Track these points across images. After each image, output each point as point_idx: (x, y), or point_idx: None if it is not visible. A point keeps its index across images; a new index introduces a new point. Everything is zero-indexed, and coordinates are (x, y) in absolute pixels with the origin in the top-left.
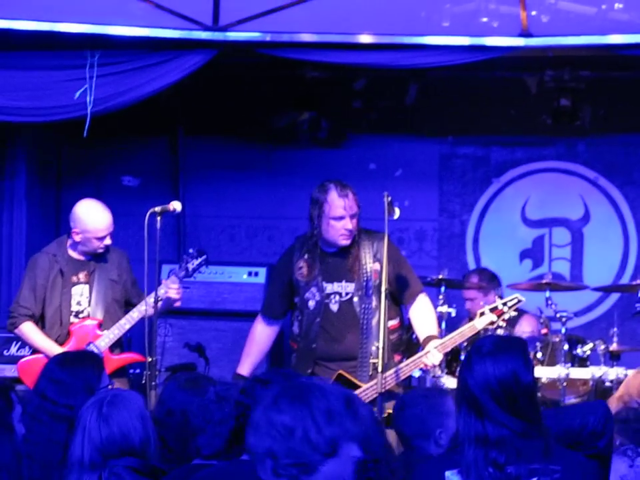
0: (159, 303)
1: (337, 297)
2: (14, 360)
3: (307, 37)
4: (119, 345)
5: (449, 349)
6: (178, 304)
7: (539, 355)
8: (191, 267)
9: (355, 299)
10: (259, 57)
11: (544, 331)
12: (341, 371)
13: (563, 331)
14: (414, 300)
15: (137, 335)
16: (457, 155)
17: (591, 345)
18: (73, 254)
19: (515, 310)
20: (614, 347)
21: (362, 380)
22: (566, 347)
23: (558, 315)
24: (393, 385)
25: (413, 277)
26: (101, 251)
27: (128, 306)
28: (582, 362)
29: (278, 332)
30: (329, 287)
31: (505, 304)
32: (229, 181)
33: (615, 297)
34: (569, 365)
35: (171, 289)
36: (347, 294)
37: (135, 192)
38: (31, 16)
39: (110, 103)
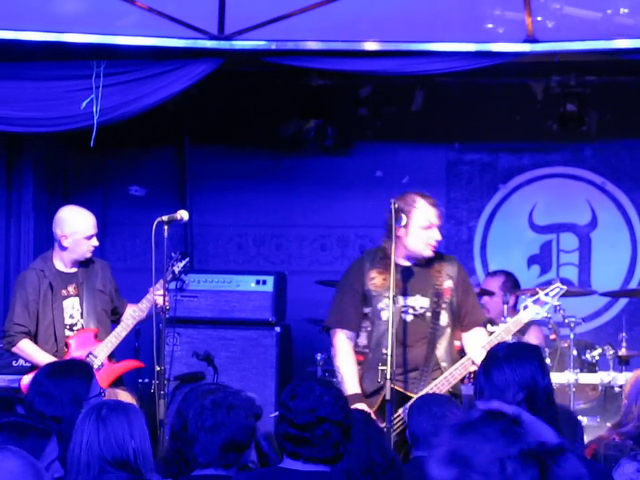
0: (147, 308)
1: (411, 310)
2: (23, 371)
3: (312, 45)
4: (113, 355)
5: None
6: (167, 308)
7: (548, 360)
8: (176, 269)
9: (428, 314)
10: (264, 66)
11: (552, 336)
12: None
13: (572, 336)
14: (471, 329)
15: (145, 344)
16: (463, 162)
17: (599, 350)
18: (60, 266)
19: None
20: (623, 352)
21: (419, 391)
22: (574, 352)
23: (566, 321)
24: (448, 389)
25: (477, 308)
26: (89, 254)
27: (114, 315)
28: (591, 367)
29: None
30: (401, 300)
31: (547, 294)
32: (236, 190)
33: (623, 301)
34: (578, 370)
35: (156, 295)
36: (421, 308)
37: (142, 201)
38: (37, 27)
39: (116, 113)
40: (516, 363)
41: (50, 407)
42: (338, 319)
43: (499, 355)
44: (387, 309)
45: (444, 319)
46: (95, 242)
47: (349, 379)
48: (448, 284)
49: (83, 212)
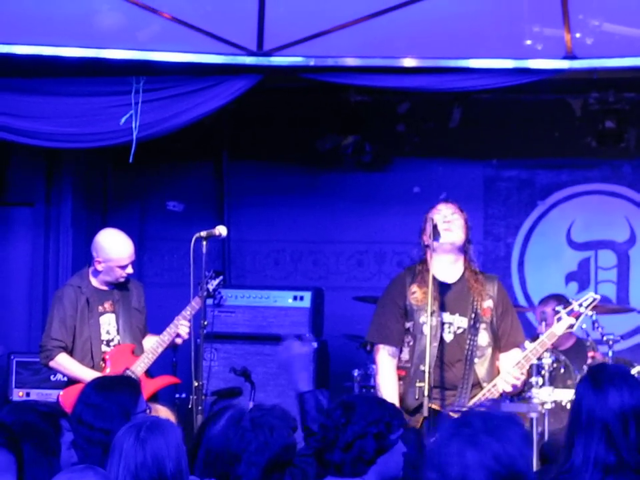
0: (170, 338)
1: (451, 328)
2: (60, 386)
3: (350, 61)
4: (149, 370)
5: (532, 361)
6: (179, 341)
7: None
8: (210, 287)
9: (467, 334)
10: (303, 82)
11: (591, 354)
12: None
13: (610, 354)
14: (510, 350)
15: (182, 359)
16: (501, 178)
17: (638, 368)
18: (96, 284)
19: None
20: None
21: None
22: None
23: (605, 338)
24: None
25: (517, 328)
26: (122, 280)
27: None
28: None
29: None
30: (445, 316)
31: (580, 305)
32: (274, 205)
33: None
34: None
35: (182, 326)
36: (459, 328)
37: (180, 217)
38: (77, 43)
39: (155, 129)
40: (637, 388)
41: (98, 418)
42: (380, 334)
43: (619, 373)
44: (428, 323)
45: (484, 338)
46: (129, 270)
47: (389, 400)
48: (488, 303)
49: (121, 240)
